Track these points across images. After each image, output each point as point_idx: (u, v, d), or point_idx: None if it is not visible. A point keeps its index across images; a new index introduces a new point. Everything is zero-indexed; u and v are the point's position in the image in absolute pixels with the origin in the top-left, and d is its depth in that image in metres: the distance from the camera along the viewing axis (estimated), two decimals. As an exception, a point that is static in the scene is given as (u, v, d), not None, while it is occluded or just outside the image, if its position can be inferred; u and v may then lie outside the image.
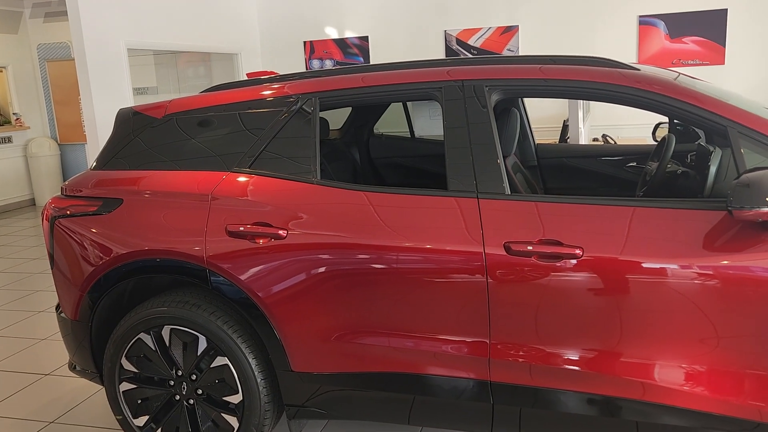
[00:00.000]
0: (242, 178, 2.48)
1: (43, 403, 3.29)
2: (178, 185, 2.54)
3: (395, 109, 4.01)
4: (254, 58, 8.34)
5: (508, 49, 7.52)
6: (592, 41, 7.17)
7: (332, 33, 8.18)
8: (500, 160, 2.23)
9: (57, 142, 9.89)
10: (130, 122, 2.78)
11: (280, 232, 2.34)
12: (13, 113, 9.56)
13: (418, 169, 3.87)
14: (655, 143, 3.29)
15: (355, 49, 8.11)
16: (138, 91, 8.02)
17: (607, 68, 2.25)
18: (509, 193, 2.20)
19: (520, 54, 7.49)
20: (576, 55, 2.42)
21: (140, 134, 2.73)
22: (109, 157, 2.76)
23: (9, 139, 9.35)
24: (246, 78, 2.95)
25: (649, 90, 2.13)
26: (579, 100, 4.57)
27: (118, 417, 2.68)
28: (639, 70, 2.25)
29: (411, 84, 2.41)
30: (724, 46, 6.82)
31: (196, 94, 2.80)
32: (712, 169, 2.52)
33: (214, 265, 2.40)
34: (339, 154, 3.70)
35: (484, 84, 2.30)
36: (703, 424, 2.03)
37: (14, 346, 4.09)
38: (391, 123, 4.11)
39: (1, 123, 9.52)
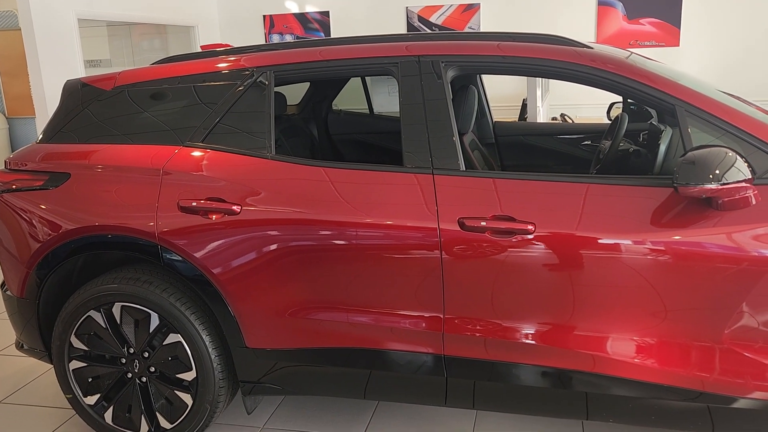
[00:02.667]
0: (195, 153, 2.43)
1: (-10, 384, 3.20)
2: (129, 159, 2.48)
3: (354, 86, 3.98)
4: (212, 32, 8.13)
5: (470, 27, 7.51)
6: (552, 21, 7.22)
7: (293, 7, 8.03)
8: (456, 137, 2.24)
9: (5, 115, 9.51)
10: (77, 94, 2.69)
11: (234, 207, 2.31)
12: (-43, 85, 9.14)
13: (377, 145, 3.86)
14: (610, 122, 3.34)
15: (315, 24, 7.98)
16: (90, 64, 7.75)
17: (563, 46, 2.26)
18: (464, 169, 2.21)
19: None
20: (533, 32, 2.42)
21: (88, 107, 2.64)
22: (56, 131, 2.66)
23: (-47, 112, 8.94)
24: (200, 50, 2.87)
25: (603, 69, 2.16)
26: (537, 79, 4.60)
27: (68, 396, 2.63)
28: (593, 49, 2.27)
29: (367, 59, 2.38)
30: (679, 28, 6.95)
31: (147, 66, 2.72)
32: (662, 148, 2.58)
33: (166, 241, 2.36)
34: (297, 129, 3.65)
35: (441, 60, 2.29)
36: (651, 394, 2.10)
37: (-40, 325, 3.97)
38: (350, 99, 4.07)
39: (-55, 95, 9.09)
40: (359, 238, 2.22)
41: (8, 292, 2.69)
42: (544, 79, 5.00)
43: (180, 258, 2.36)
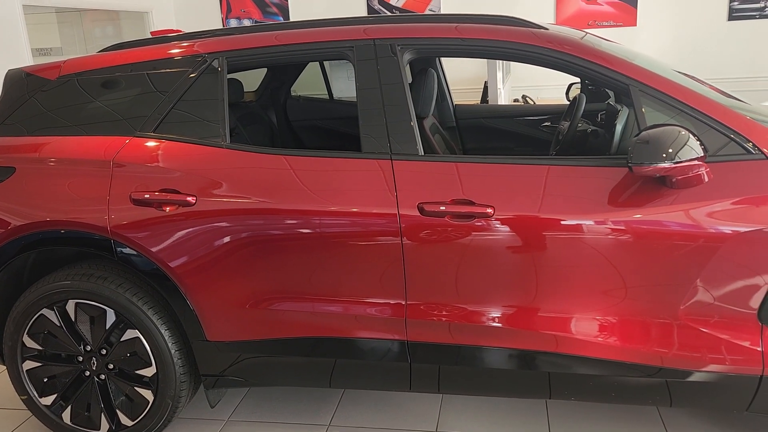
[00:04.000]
0: (147, 143, 2.36)
1: (-58, 387, 3.09)
2: (77, 151, 2.39)
3: (314, 71, 3.91)
4: (167, 17, 7.92)
5: (430, 10, 7.47)
6: (511, 2, 7.23)
7: (250, -9, 7.85)
8: (413, 121, 2.21)
9: (-48, 107, 9.12)
10: (20, 84, 2.58)
11: (189, 198, 2.25)
12: None
13: (337, 131, 3.81)
14: (569, 103, 3.36)
15: (274, 8, 7.84)
16: (40, 52, 7.49)
17: (520, 28, 2.25)
18: (423, 154, 2.19)
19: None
20: (491, 14, 2.40)
21: (33, 97, 2.53)
22: (-2, 123, 2.55)
23: None
24: (150, 36, 2.78)
25: (560, 50, 2.15)
26: (498, 62, 4.60)
27: (23, 397, 2.55)
28: (549, 30, 2.26)
29: (323, 43, 2.33)
30: (636, 8, 7.03)
31: (93, 54, 2.62)
32: (618, 128, 2.60)
33: (119, 235, 2.29)
34: (255, 117, 3.58)
35: (397, 43, 2.26)
36: (612, 372, 2.12)
37: None
38: (309, 85, 4.00)
39: None
40: (317, 226, 2.18)
41: (-46, 293, 2.58)
42: (503, 61, 5.01)
43: (135, 252, 2.30)
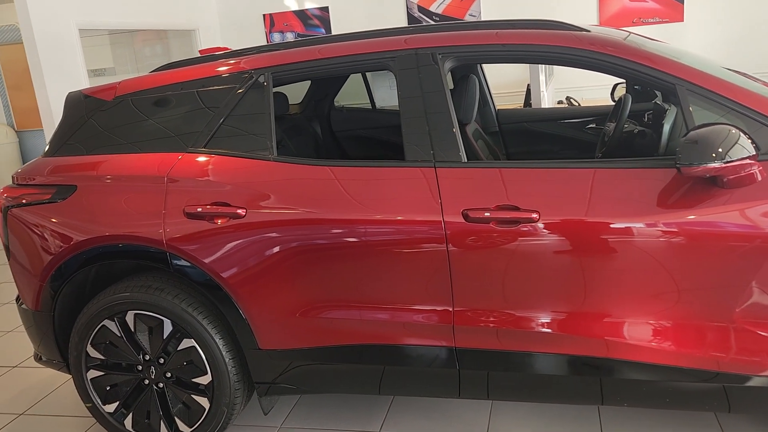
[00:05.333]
0: (198, 158, 2.44)
1: (12, 396, 3.25)
2: (133, 168, 2.50)
3: (356, 81, 3.97)
4: (213, 34, 8.15)
5: (470, 15, 7.47)
6: (553, 3, 7.15)
7: (292, 4, 8.02)
8: (456, 128, 2.23)
9: (14, 129, 9.60)
10: (79, 106, 2.71)
11: (239, 211, 2.32)
12: (-34, 101, 9.24)
13: (380, 140, 3.85)
14: (614, 104, 3.31)
15: (315, 20, 7.97)
16: (95, 73, 7.80)
17: (561, 31, 2.24)
18: (466, 160, 2.20)
19: (482, 18, 7.44)
20: (530, 19, 2.40)
21: (91, 118, 2.66)
22: (60, 143, 2.68)
23: (-36, 129, 9.04)
24: (198, 55, 2.88)
25: (603, 52, 2.13)
26: (540, 65, 4.57)
27: (87, 405, 2.66)
28: (590, 32, 2.25)
29: (365, 55, 2.37)
30: (683, 3, 6.86)
31: (146, 74, 2.73)
32: (666, 128, 2.55)
33: (175, 247, 2.37)
34: (300, 128, 3.65)
35: (437, 52, 2.28)
36: (666, 377, 2.08)
37: (-20, 339, 4.03)
38: (352, 95, 4.06)
39: (-45, 112, 9.20)
40: (363, 235, 2.22)
41: (23, 306, 2.73)
42: (546, 65, 4.96)
43: (189, 264, 2.38)
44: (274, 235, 2.29)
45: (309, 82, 3.84)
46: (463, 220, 2.13)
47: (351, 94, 4.08)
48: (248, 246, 2.32)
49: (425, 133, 2.24)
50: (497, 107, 3.75)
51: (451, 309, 2.21)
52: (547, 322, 2.14)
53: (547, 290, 2.11)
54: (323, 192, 2.27)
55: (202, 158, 2.44)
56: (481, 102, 3.62)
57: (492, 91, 3.75)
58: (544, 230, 2.06)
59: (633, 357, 2.09)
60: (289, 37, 8.08)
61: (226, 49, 2.95)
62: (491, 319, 2.18)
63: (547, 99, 5.56)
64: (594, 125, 3.49)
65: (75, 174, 2.56)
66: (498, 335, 2.19)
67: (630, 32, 2.50)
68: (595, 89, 6.88)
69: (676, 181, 1.99)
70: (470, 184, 2.15)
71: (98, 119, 2.64)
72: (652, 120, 3.15)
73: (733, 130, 1.84)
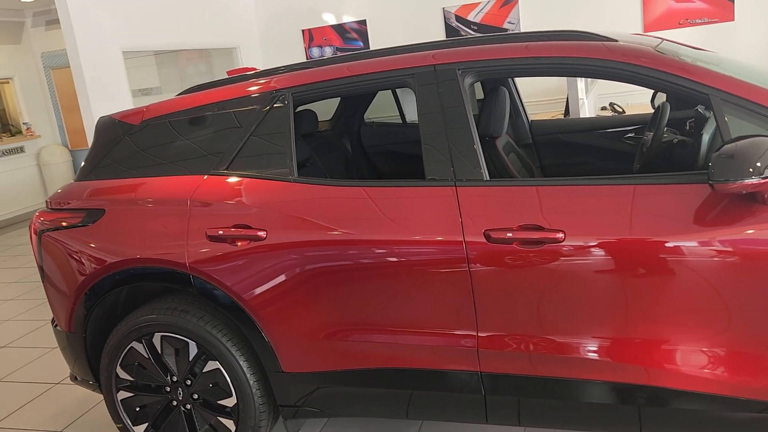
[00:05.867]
0: (220, 180, 2.45)
1: (52, 413, 3.33)
2: (159, 192, 2.52)
3: (386, 95, 3.93)
4: (253, 51, 8.28)
5: (509, 22, 7.35)
6: (594, 8, 6.97)
7: (330, 19, 8.08)
8: (477, 145, 2.16)
9: (68, 148, 9.99)
10: (109, 130, 2.76)
11: (260, 233, 2.30)
12: (24, 123, 9.66)
13: (411, 155, 3.79)
14: (655, 112, 3.16)
15: (353, 33, 8.00)
16: (142, 93, 8.03)
17: (590, 42, 2.14)
18: (488, 178, 2.13)
19: (522, 27, 7.31)
20: (555, 30, 2.31)
21: (120, 142, 2.70)
22: (91, 168, 2.74)
23: (21, 149, 9.46)
24: (225, 77, 2.90)
25: (633, 63, 2.02)
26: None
27: (118, 425, 2.69)
28: (617, 41, 2.14)
29: (383, 72, 2.33)
30: (733, 2, 6.57)
31: (171, 98, 2.77)
32: (705, 138, 2.41)
33: (197, 270, 2.38)
34: (330, 145, 3.64)
35: (456, 67, 2.22)
36: (712, 406, 1.94)
37: (26, 356, 4.15)
38: (382, 108, 4.03)
39: (14, 133, 9.63)
40: (385, 257, 2.17)
41: (57, 328, 2.78)
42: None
43: (211, 286, 2.38)
44: (294, 257, 2.27)
45: (339, 99, 3.83)
46: (485, 241, 2.05)
47: (381, 108, 4.05)
48: (269, 268, 2.30)
49: (445, 151, 2.18)
50: (537, 117, 3.64)
51: (475, 333, 2.14)
52: (572, 347, 2.03)
53: (573, 313, 2.01)
54: (342, 213, 2.23)
55: (224, 180, 2.44)
56: (513, 114, 3.52)
57: (531, 99, 3.65)
58: (570, 250, 1.97)
59: (675, 385, 1.96)
60: (328, 51, 8.14)
61: (253, 69, 2.96)
62: (517, 343, 2.09)
63: (588, 107, 5.40)
64: (633, 134, 3.35)
65: (103, 198, 2.60)
66: (523, 360, 2.09)
67: (663, 39, 2.38)
68: (639, 94, 6.65)
69: (712, 198, 1.86)
70: (492, 203, 2.07)
71: (127, 143, 2.69)
72: (694, 128, 3.00)
73: None
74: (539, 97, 6.77)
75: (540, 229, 2.00)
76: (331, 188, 2.30)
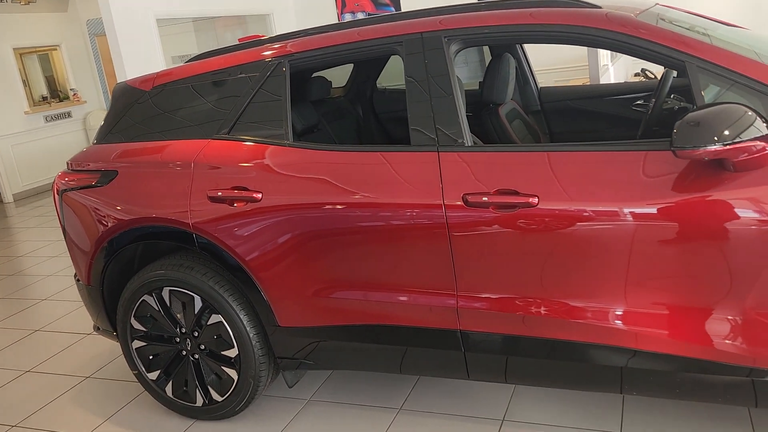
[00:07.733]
0: (222, 145, 2.57)
1: (83, 361, 3.60)
2: (166, 155, 2.67)
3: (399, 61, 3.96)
4: (287, 17, 8.36)
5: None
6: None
7: (362, -16, 8.05)
8: (461, 112, 2.21)
9: (113, 113, 10.33)
10: (123, 96, 2.92)
11: (256, 195, 2.43)
12: (71, 89, 10.06)
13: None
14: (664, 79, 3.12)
15: (386, -1, 7.97)
16: (181, 59, 8.23)
17: (569, 9, 2.15)
18: (470, 144, 2.18)
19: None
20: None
21: (133, 107, 2.86)
22: (107, 131, 2.91)
23: (69, 114, 9.87)
24: (236, 43, 3.01)
25: (604, 28, 2.03)
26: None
27: (134, 372, 2.91)
28: (600, 7, 2.14)
29: (374, 40, 2.39)
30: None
31: (180, 65, 2.89)
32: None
33: (200, 229, 2.53)
34: (341, 112, 3.72)
35: (442, 35, 2.26)
36: (685, 367, 1.98)
37: (64, 308, 4.46)
38: (399, 75, 4.06)
39: (62, 99, 10.04)
40: (371, 219, 2.26)
41: (79, 282, 3.00)
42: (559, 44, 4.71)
43: (213, 245, 2.53)
44: (287, 218, 2.39)
45: (352, 65, 3.89)
46: (463, 205, 2.12)
47: (399, 74, 4.08)
48: (264, 228, 2.43)
49: (429, 117, 2.24)
50: (560, 83, 3.63)
51: (454, 293, 2.22)
52: (549, 307, 2.10)
53: (550, 275, 2.07)
54: (332, 177, 2.33)
55: (225, 144, 2.57)
56: (522, 80, 3.52)
57: (557, 66, 3.61)
58: (544, 214, 2.02)
59: (627, 344, 2.01)
60: (360, 16, 8.13)
61: (261, 36, 3.05)
62: (493, 302, 2.17)
63: (614, 74, 5.30)
64: (642, 101, 3.31)
65: (116, 160, 2.77)
66: (500, 319, 2.18)
67: (657, 2, 2.36)
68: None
69: (682, 165, 1.88)
70: (471, 168, 2.14)
71: (139, 108, 2.84)
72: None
73: (749, 112, 1.71)
74: (566, 63, 6.64)
75: (515, 193, 2.06)
76: (323, 153, 2.39)
